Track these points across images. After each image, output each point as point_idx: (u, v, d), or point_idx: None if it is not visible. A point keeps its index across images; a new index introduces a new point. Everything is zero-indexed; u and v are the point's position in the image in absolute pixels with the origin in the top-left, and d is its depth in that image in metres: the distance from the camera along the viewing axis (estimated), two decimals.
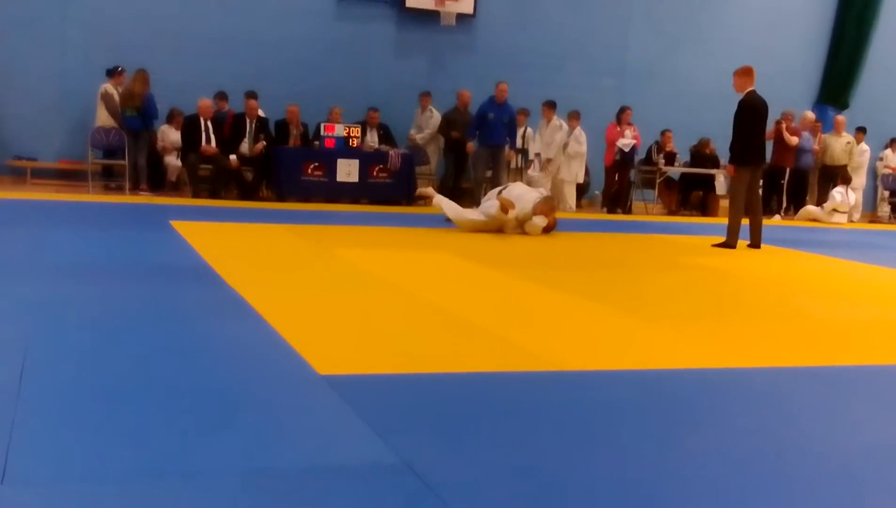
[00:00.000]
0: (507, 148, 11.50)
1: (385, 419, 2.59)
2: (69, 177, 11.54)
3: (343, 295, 4.69)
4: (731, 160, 8.49)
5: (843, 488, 2.33)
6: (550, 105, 12.21)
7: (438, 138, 12.38)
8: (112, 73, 11.03)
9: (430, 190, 9.65)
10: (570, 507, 2.07)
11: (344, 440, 2.43)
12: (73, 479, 2.04)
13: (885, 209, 14.78)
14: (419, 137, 12.40)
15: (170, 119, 11.47)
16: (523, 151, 12.43)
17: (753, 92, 8.17)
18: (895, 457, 2.59)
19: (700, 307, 5.06)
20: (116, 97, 10.94)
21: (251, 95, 11.27)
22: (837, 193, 13.21)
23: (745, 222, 8.26)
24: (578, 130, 12.40)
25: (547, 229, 8.55)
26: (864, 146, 14.16)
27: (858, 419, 2.98)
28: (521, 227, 8.45)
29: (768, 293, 5.79)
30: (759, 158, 8.44)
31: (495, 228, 8.44)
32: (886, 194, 14.77)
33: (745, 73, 8.24)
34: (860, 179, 14.05)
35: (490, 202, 8.57)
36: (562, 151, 12.34)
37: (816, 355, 3.93)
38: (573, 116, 12.44)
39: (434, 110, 12.40)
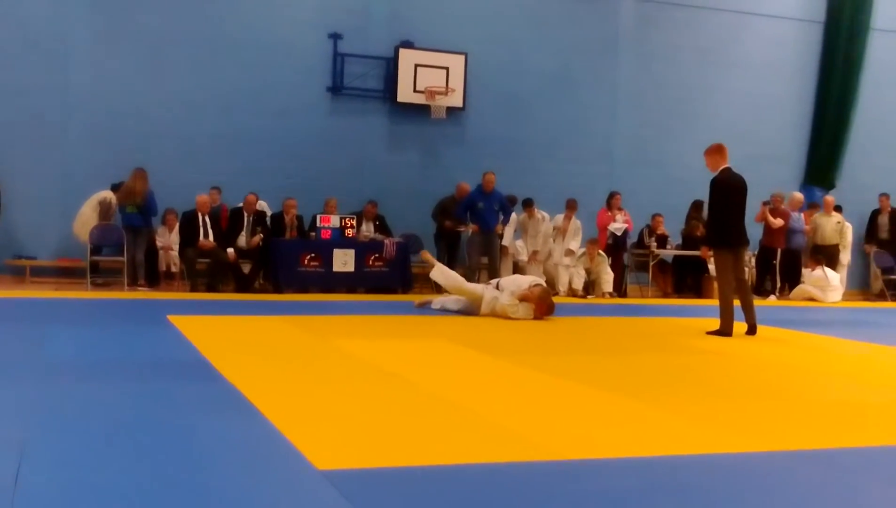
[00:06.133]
0: (499, 225, 11.81)
1: None
2: (68, 275, 11.62)
3: (342, 387, 4.70)
4: (707, 242, 8.17)
5: None
6: (529, 202, 12.39)
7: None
8: (117, 187, 11.25)
9: (432, 258, 9.92)
10: None
11: None
12: None
13: (878, 286, 14.85)
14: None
15: (164, 220, 11.64)
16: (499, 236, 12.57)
17: (728, 169, 7.75)
18: None
19: (704, 390, 5.07)
20: (115, 205, 11.16)
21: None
22: (814, 271, 13.22)
23: (737, 303, 7.91)
24: (576, 224, 12.45)
25: (549, 313, 8.67)
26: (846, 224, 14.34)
27: (872, 503, 2.96)
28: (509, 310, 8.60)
29: (771, 375, 5.79)
30: (738, 239, 7.82)
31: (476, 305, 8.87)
32: (878, 271, 14.88)
33: (716, 150, 7.81)
34: (847, 257, 14.18)
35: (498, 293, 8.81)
36: (549, 239, 12.50)
37: (827, 437, 3.92)
38: (571, 206, 12.50)
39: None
